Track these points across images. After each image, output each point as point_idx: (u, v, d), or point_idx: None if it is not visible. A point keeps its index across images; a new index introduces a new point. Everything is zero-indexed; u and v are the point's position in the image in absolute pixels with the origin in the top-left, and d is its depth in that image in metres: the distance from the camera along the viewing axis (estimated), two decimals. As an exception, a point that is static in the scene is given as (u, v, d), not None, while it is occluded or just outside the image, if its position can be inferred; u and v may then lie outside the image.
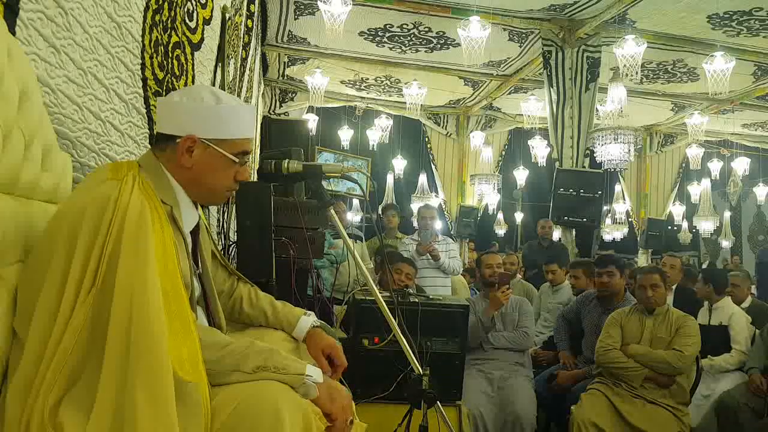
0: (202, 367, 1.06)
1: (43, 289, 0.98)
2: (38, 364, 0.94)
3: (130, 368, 0.92)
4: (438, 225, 5.92)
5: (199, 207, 1.32)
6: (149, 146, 1.70)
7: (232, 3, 2.98)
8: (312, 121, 8.19)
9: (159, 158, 1.19)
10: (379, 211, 5.11)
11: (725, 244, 12.79)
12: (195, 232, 1.29)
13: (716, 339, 3.64)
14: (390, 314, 1.52)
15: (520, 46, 6.69)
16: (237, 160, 1.22)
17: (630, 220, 10.49)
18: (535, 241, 6.74)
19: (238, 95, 3.68)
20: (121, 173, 1.10)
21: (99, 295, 0.97)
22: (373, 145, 8.98)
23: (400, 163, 9.53)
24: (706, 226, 10.41)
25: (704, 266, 11.66)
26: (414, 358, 1.54)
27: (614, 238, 11.10)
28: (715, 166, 10.01)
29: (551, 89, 5.98)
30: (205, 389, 1.04)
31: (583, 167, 5.95)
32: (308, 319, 1.46)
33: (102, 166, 1.31)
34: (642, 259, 9.57)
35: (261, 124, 6.61)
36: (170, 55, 1.89)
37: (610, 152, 6.08)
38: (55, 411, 0.92)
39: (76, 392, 0.94)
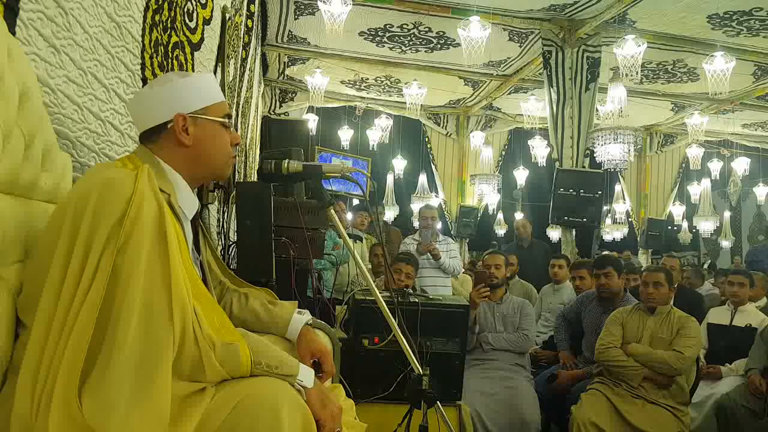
0: (235, 331, 1.16)
1: (48, 274, 0.97)
2: (45, 348, 0.93)
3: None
4: (438, 225, 5.93)
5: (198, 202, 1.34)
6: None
7: (232, 3, 2.98)
8: (312, 121, 8.19)
9: (152, 150, 1.21)
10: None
11: (725, 244, 12.79)
12: (194, 220, 1.32)
13: (741, 339, 3.58)
14: (390, 314, 1.52)
15: (520, 46, 6.69)
16: (226, 122, 1.27)
17: (630, 220, 10.49)
18: (514, 243, 6.75)
19: (238, 95, 3.67)
20: (133, 163, 1.13)
21: (112, 277, 0.96)
22: (373, 145, 8.98)
23: (400, 163, 9.54)
24: (706, 226, 10.41)
25: (704, 266, 11.64)
26: (414, 358, 1.54)
27: (614, 238, 11.10)
28: (715, 166, 10.01)
29: (551, 89, 5.98)
30: (245, 347, 1.11)
31: (583, 167, 5.94)
32: (301, 318, 1.44)
33: (102, 163, 1.33)
34: (642, 259, 9.56)
35: (261, 124, 6.61)
36: (170, 55, 1.88)
37: (610, 152, 6.06)
38: (80, 390, 0.92)
39: (96, 372, 0.93)
